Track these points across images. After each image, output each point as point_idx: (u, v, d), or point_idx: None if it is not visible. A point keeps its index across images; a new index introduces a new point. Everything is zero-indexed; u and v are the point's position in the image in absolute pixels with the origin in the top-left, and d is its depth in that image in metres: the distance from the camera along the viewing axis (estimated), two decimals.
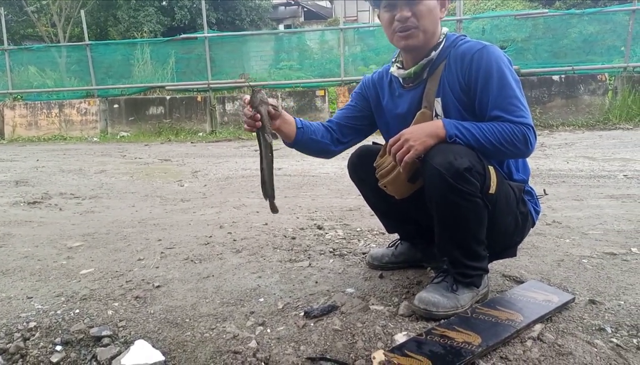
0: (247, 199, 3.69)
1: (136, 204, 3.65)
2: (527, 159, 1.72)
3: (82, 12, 11.07)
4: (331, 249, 2.32)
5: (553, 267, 2.00)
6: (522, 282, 1.81)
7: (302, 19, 28.49)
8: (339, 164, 4.82)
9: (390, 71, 1.76)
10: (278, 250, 2.35)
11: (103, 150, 7.58)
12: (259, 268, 2.11)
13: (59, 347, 1.50)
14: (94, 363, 1.43)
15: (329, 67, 10.36)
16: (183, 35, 10.83)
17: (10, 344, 1.51)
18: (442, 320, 1.50)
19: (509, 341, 1.39)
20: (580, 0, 15.84)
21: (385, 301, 1.69)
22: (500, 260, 2.03)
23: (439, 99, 1.60)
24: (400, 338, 1.42)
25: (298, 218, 3.00)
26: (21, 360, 1.46)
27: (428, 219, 1.64)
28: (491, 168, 1.51)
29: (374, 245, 2.37)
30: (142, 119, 9.77)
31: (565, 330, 1.45)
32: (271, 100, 1.59)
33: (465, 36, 1.64)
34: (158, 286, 1.93)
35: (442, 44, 1.63)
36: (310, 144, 1.78)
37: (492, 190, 1.50)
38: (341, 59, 9.58)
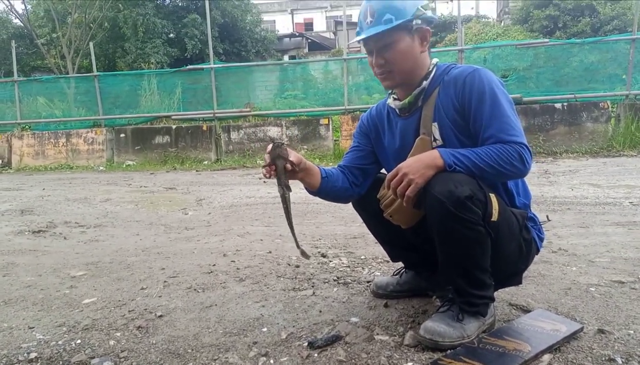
0: (251, 227, 3.68)
1: (140, 233, 3.65)
2: (528, 184, 1.72)
3: (91, 44, 11.33)
4: (335, 278, 2.31)
5: (560, 295, 1.97)
6: (529, 311, 1.78)
7: (306, 50, 29.01)
8: None
9: (387, 103, 1.80)
10: (282, 279, 2.33)
11: (109, 179, 7.63)
12: (262, 297, 2.09)
13: None
14: None
15: (333, 96, 10.49)
16: (190, 66, 11.02)
17: None
18: (449, 351, 1.48)
19: None
20: (580, 30, 16.09)
21: (390, 331, 1.67)
22: (507, 289, 2.01)
23: (436, 124, 1.62)
24: None
25: (301, 246, 2.99)
26: None
27: (432, 247, 1.63)
28: (492, 195, 1.51)
29: (379, 274, 2.36)
30: (148, 148, 9.86)
31: (575, 361, 1.42)
32: (293, 156, 1.59)
33: (456, 64, 1.68)
34: (160, 316, 1.91)
35: (433, 72, 1.67)
36: (333, 191, 1.79)
37: (494, 217, 1.50)
38: (345, 88, 9.70)
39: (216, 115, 10.03)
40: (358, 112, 9.57)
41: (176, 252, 2.97)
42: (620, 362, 1.41)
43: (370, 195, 1.82)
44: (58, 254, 3.04)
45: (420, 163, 1.48)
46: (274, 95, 11.42)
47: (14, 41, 11.57)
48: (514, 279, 1.72)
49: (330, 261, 2.62)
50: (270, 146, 1.58)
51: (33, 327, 1.84)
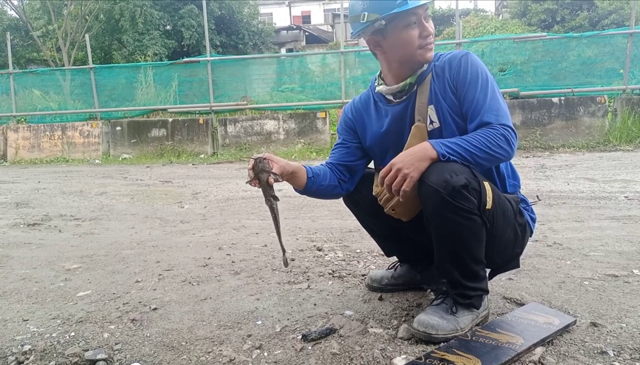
0: (247, 220, 3.68)
1: (136, 226, 3.65)
2: (524, 177, 1.73)
3: (87, 36, 11.25)
4: (330, 271, 2.31)
5: (554, 289, 1.98)
6: (522, 305, 1.79)
7: (303, 43, 28.90)
8: None
9: (377, 90, 1.76)
10: (277, 272, 2.34)
11: (105, 172, 7.61)
12: (257, 290, 2.09)
13: None
14: None
15: (330, 90, 10.46)
16: (186, 59, 10.99)
17: None
18: (442, 344, 1.48)
19: None
20: (578, 24, 16.07)
21: (384, 324, 1.67)
22: (501, 282, 2.02)
23: (432, 107, 1.62)
24: (399, 362, 1.40)
25: (298, 239, 2.99)
26: None
27: (426, 239, 1.63)
28: (486, 183, 1.52)
29: (374, 267, 2.36)
30: (144, 141, 9.83)
31: (567, 354, 1.43)
32: (275, 169, 1.58)
33: (442, 53, 1.67)
34: (155, 309, 1.91)
35: None
36: (320, 190, 1.79)
37: (489, 205, 1.50)
38: (342, 81, 9.68)
39: (213, 108, 10.00)
40: None
41: (171, 246, 2.97)
42: (612, 355, 1.42)
43: (361, 190, 1.82)
44: (53, 247, 3.04)
45: (413, 156, 1.47)
46: (271, 88, 11.39)
47: (9, 33, 11.46)
48: (512, 263, 1.72)
49: (326, 255, 2.62)
50: (252, 162, 1.57)
51: (27, 320, 1.84)
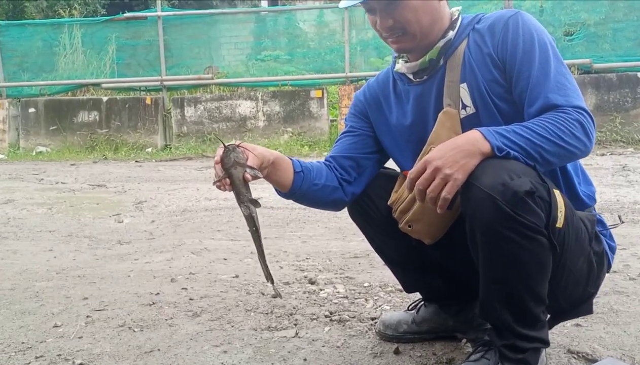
0: (210, 241, 3.68)
1: (55, 248, 3.63)
2: (599, 184, 1.74)
3: None
4: (327, 313, 2.31)
5: (639, 339, 1.98)
6: (595, 361, 1.79)
7: None
8: None
9: (395, 70, 1.80)
10: (252, 314, 2.33)
11: (12, 171, 7.59)
12: (224, 339, 2.09)
13: None
14: None
15: (330, 59, 10.49)
16: (128, 14, 10.98)
17: None
18: None
19: None
20: None
21: None
22: (565, 330, 2.02)
23: (465, 86, 1.63)
24: None
25: (282, 268, 2.99)
26: None
27: (464, 269, 1.63)
28: (557, 192, 1.51)
29: (388, 308, 2.36)
30: (69, 128, 9.82)
31: None
32: (251, 160, 1.58)
33: (485, 14, 1.70)
34: (80, 364, 1.90)
35: (460, 21, 1.70)
36: (313, 192, 1.78)
37: (560, 223, 1.49)
38: (346, 47, 9.71)
39: (165, 83, 10.00)
40: (364, 81, 9.57)
41: (105, 276, 2.96)
42: None
43: (373, 196, 1.83)
44: None
45: (456, 150, 1.45)
46: (246, 56, 11.40)
47: None
48: (582, 306, 1.72)
49: (321, 290, 2.62)
50: (220, 152, 1.56)
51: None
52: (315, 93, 9.37)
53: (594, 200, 1.75)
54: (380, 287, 2.64)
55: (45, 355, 1.99)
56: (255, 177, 1.58)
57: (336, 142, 1.92)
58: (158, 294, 2.63)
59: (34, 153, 9.59)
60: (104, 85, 10.45)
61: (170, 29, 10.41)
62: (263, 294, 2.57)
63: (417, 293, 2.08)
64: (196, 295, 2.59)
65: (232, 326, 2.22)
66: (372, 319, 2.23)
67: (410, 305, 2.09)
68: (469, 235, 1.52)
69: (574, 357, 1.86)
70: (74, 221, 4.46)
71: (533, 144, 1.45)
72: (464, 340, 1.96)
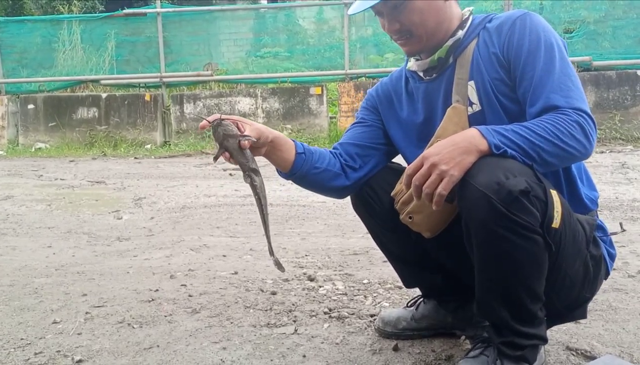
0: (210, 238, 3.68)
1: (54, 244, 3.64)
2: (598, 181, 1.74)
3: None
4: (326, 309, 2.31)
5: (638, 337, 1.99)
6: (593, 358, 1.80)
7: None
8: None
9: (407, 67, 1.83)
10: (251, 311, 2.34)
11: (11, 167, 7.59)
12: (223, 335, 2.09)
13: None
14: None
15: (329, 56, 10.48)
16: (127, 11, 10.96)
17: None
18: None
19: None
20: None
21: None
22: (563, 327, 2.02)
23: (472, 83, 1.65)
24: None
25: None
26: None
27: (464, 265, 1.63)
28: (554, 192, 1.51)
29: (387, 305, 2.37)
30: (68, 124, 9.81)
31: None
32: (249, 129, 1.61)
33: (496, 14, 1.71)
34: (79, 361, 1.90)
35: (470, 21, 1.72)
36: (314, 175, 1.80)
37: (556, 223, 1.49)
38: (345, 44, 9.70)
39: (164, 80, 10.00)
40: (364, 79, 9.58)
41: (104, 272, 2.96)
42: None
43: (376, 188, 1.84)
44: None
45: (454, 147, 1.46)
46: (246, 53, 11.39)
47: None
48: (577, 311, 1.73)
49: (321, 287, 2.62)
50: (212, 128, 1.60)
51: None
52: (314, 90, 9.37)
53: (597, 205, 1.76)
54: (379, 284, 2.64)
55: (44, 351, 1.99)
56: (254, 145, 1.61)
57: (345, 132, 1.94)
58: (157, 290, 2.63)
59: (33, 149, 9.58)
60: (103, 82, 10.44)
61: (170, 26, 10.39)
62: (262, 291, 2.58)
63: (417, 290, 2.09)
64: (195, 292, 2.59)
65: (231, 323, 2.22)
66: (371, 315, 2.24)
67: (409, 302, 2.10)
68: (465, 233, 1.54)
69: (573, 354, 1.86)
70: (73, 217, 4.46)
71: (531, 143, 1.45)
72: (463, 337, 1.97)
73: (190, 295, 2.55)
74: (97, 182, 6.21)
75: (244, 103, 9.48)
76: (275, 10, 11.98)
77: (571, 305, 1.69)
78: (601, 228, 1.74)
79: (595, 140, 1.52)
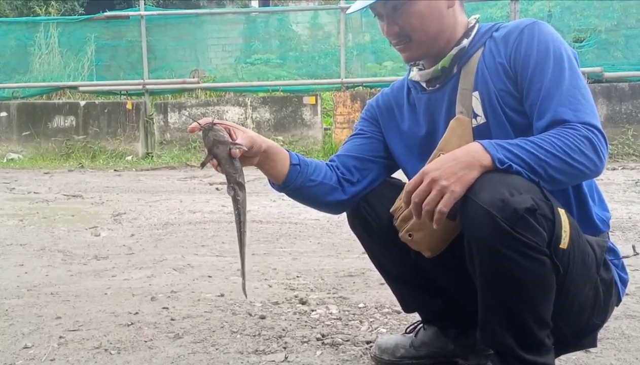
0: (194, 257, 3.67)
1: (26, 263, 3.61)
2: (609, 200, 1.75)
3: None
4: (319, 335, 2.30)
5: None
6: None
7: None
8: None
9: (409, 77, 1.85)
10: (238, 336, 2.33)
11: None
12: (208, 363, 2.08)
13: None
14: None
15: (324, 64, 10.52)
16: (108, 13, 10.99)
17: None
18: None
19: None
20: None
21: None
22: (573, 356, 2.02)
23: (477, 94, 1.66)
24: None
25: (271, 286, 2.99)
26: None
27: (466, 287, 1.63)
28: (562, 211, 1.52)
29: (384, 331, 2.36)
30: (43, 134, 9.79)
31: None
32: (241, 137, 1.61)
33: (504, 23, 1.74)
34: None
35: (475, 29, 1.73)
36: (309, 188, 1.80)
37: (564, 243, 1.50)
38: (341, 51, 9.75)
39: (147, 87, 10.01)
40: (361, 88, 9.62)
41: (79, 294, 2.95)
42: None
43: (375, 205, 1.84)
44: None
45: (455, 162, 1.47)
46: (235, 59, 11.42)
47: None
48: (586, 339, 1.73)
49: (313, 311, 2.61)
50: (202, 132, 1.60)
51: None
52: (308, 99, 9.40)
53: (608, 227, 1.76)
54: (376, 308, 2.63)
55: None
56: (242, 151, 1.59)
57: (343, 143, 1.95)
58: (137, 313, 2.61)
59: (4, 160, 9.55)
60: (81, 89, 10.45)
61: (154, 30, 10.42)
62: (250, 315, 2.56)
63: (416, 315, 2.08)
64: (178, 316, 2.57)
65: (217, 349, 2.20)
66: (367, 342, 2.22)
67: (408, 327, 2.09)
68: (467, 253, 1.54)
69: None
70: (47, 234, 4.43)
71: (537, 158, 1.46)
72: None
73: (172, 319, 2.53)
74: (74, 196, 6.18)
75: (233, 112, 9.49)
76: (267, 15, 12.05)
77: (580, 332, 1.69)
78: (613, 251, 1.74)
79: (607, 157, 1.53)
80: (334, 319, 2.51)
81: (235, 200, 1.63)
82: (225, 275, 3.23)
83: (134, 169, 8.49)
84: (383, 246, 1.88)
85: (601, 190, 1.79)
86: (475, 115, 1.67)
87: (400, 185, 1.83)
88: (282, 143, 9.03)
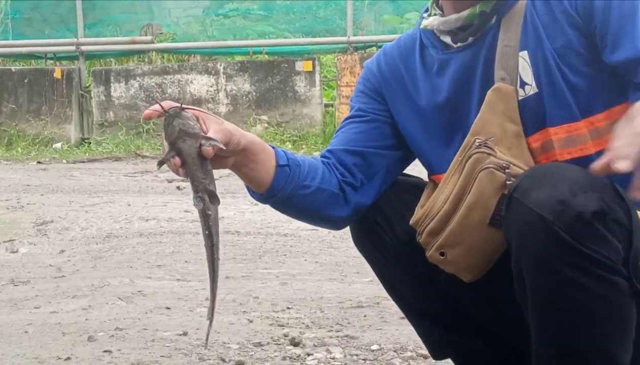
0: (147, 281, 3.68)
1: None
2: None
3: None
4: None
5: None
6: None
7: None
8: None
9: (423, 26, 1.81)
10: None
11: None
12: None
13: None
14: None
15: (324, 16, 10.51)
16: None
17: None
18: None
19: None
20: None
21: None
22: None
23: (525, 54, 1.65)
24: None
25: (251, 322, 3.00)
26: None
27: (514, 324, 1.64)
28: None
29: None
30: None
31: None
32: (213, 129, 1.54)
33: None
34: None
35: None
36: (303, 198, 1.76)
37: None
38: (348, 1, 9.75)
39: (82, 48, 10.02)
40: (375, 49, 9.60)
41: None
42: None
43: (389, 214, 1.83)
44: None
45: None
46: (203, 10, 11.40)
47: None
48: None
49: (309, 355, 2.62)
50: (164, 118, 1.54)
51: None
52: (302, 65, 9.38)
53: None
54: (395, 351, 2.64)
55: None
56: (216, 150, 1.51)
57: (337, 131, 1.92)
58: (68, 358, 2.62)
59: None
60: None
61: None
62: (224, 361, 2.57)
63: (449, 361, 2.09)
64: (125, 361, 2.58)
65: None
66: None
67: None
68: (515, 274, 1.53)
69: None
70: None
71: None
72: None
73: None
74: None
75: (199, 83, 9.48)
76: None
77: None
78: None
79: None
80: None
81: (205, 216, 1.56)
82: (189, 307, 3.23)
83: (64, 161, 8.49)
84: (401, 270, 1.87)
85: None
86: (523, 84, 1.65)
87: (421, 185, 1.82)
88: (267, 124, 9.04)
